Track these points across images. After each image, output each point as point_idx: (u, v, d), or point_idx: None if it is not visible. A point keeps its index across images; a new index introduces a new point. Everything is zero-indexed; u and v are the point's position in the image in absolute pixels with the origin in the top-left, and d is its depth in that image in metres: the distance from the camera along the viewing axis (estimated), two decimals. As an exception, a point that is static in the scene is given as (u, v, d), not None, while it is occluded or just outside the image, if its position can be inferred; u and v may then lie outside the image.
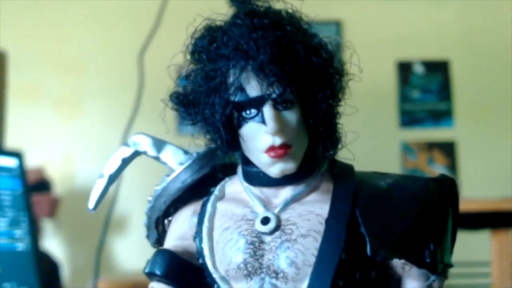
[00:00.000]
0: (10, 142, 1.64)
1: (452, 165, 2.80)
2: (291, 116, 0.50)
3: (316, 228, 0.50)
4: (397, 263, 0.51)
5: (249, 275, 0.50)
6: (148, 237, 0.64)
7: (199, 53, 0.52)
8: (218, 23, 0.52)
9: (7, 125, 1.52)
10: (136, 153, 0.63)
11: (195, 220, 0.57)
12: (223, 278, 0.52)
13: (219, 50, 0.50)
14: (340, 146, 0.54)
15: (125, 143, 0.63)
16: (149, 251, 0.63)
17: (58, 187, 2.59)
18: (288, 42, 0.49)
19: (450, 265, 0.52)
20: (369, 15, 2.91)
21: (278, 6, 0.54)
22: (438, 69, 2.90)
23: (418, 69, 2.90)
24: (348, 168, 0.55)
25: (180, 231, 0.58)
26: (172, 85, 0.57)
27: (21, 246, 1.06)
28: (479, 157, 2.80)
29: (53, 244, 2.60)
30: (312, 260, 0.49)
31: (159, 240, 0.62)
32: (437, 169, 2.79)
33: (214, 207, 0.56)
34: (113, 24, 2.85)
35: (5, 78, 1.52)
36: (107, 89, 2.80)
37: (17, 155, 1.12)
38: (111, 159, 0.63)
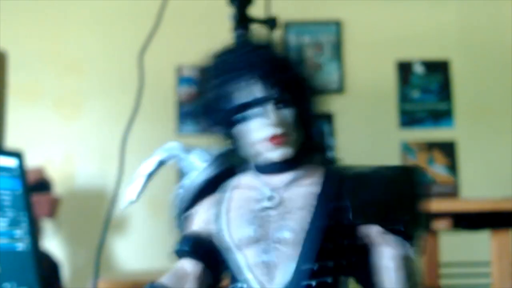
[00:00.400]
0: (10, 142, 1.64)
1: (452, 165, 2.81)
2: (288, 113, 0.65)
3: (310, 202, 0.63)
4: (377, 232, 0.63)
5: (257, 242, 0.63)
6: (178, 226, 0.74)
7: (214, 70, 0.67)
8: (228, 47, 0.68)
9: (7, 125, 1.52)
10: (171, 156, 0.75)
11: (215, 208, 0.69)
12: (237, 246, 0.65)
13: (232, 64, 0.65)
14: (327, 141, 0.67)
15: (161, 148, 0.76)
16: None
17: (58, 187, 2.59)
18: (282, 58, 0.66)
19: (418, 236, 0.63)
20: (369, 15, 2.91)
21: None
22: (438, 69, 2.90)
23: (418, 69, 2.91)
24: (336, 160, 0.70)
25: (204, 217, 0.70)
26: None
27: (21, 246, 1.06)
28: (479, 157, 2.80)
29: (53, 244, 2.60)
30: (307, 227, 0.62)
31: (184, 229, 0.73)
32: (437, 169, 2.79)
33: (231, 194, 0.69)
34: (113, 24, 2.85)
35: (5, 78, 1.52)
36: (107, 89, 2.80)
37: (17, 155, 1.12)
38: (147, 161, 0.75)
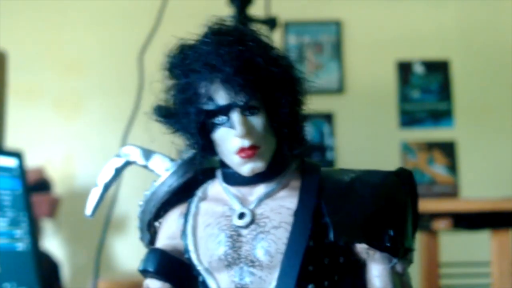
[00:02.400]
0: (10, 142, 1.64)
1: (452, 165, 2.80)
2: (257, 120, 0.57)
3: (286, 220, 0.56)
4: (362, 249, 0.56)
5: (229, 265, 0.57)
6: (141, 239, 0.69)
7: (174, 69, 0.59)
8: (189, 42, 0.59)
9: (7, 125, 1.52)
10: (127, 163, 0.69)
11: (182, 220, 0.63)
12: (206, 270, 0.58)
13: (190, 66, 0.56)
14: (304, 145, 0.60)
15: (116, 154, 0.69)
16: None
17: (58, 187, 2.59)
18: (250, 55, 0.55)
19: (411, 249, 0.57)
20: (369, 15, 2.91)
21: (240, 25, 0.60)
22: (438, 69, 2.90)
23: (418, 69, 2.90)
24: (315, 166, 0.61)
25: (169, 231, 0.64)
26: (160, 95, 0.61)
27: (21, 246, 1.06)
28: (479, 157, 2.80)
29: (53, 244, 2.60)
30: (283, 248, 0.55)
31: (151, 241, 0.68)
32: (437, 169, 2.79)
33: (197, 207, 0.62)
34: (113, 24, 2.85)
35: (5, 78, 1.52)
36: (107, 89, 2.80)
37: (17, 155, 1.12)
38: (104, 169, 0.69)
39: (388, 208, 0.57)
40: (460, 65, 2.88)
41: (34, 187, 2.28)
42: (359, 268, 0.58)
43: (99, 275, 1.30)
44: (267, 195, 0.59)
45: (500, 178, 2.67)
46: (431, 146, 2.82)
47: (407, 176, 0.60)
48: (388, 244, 0.55)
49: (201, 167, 0.63)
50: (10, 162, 1.10)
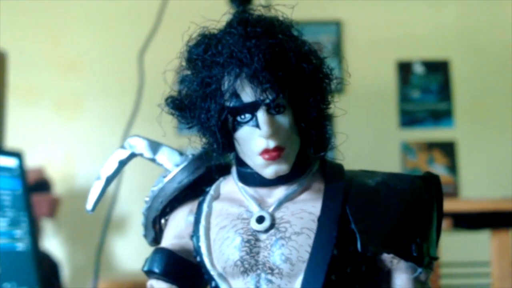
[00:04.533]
0: (10, 142, 1.64)
1: (452, 165, 2.80)
2: (283, 120, 0.53)
3: (309, 226, 0.53)
4: (386, 257, 0.54)
5: (245, 272, 0.53)
6: (145, 236, 0.66)
7: (195, 60, 0.54)
8: (212, 31, 0.54)
9: (7, 125, 1.52)
10: (133, 155, 0.64)
11: (191, 219, 0.59)
12: (220, 275, 0.55)
13: (214, 57, 0.52)
14: (330, 147, 0.57)
15: (121, 146, 0.65)
16: (149, 250, 0.64)
17: (58, 187, 2.59)
18: (280, 49, 0.51)
19: (436, 258, 0.55)
20: (369, 15, 2.91)
21: (270, 13, 0.56)
22: (438, 69, 2.90)
23: (418, 69, 2.90)
24: (338, 168, 0.58)
25: (177, 230, 0.60)
26: (171, 86, 0.59)
27: (21, 246, 1.06)
28: (479, 157, 2.80)
29: (53, 244, 2.60)
30: (306, 256, 0.51)
31: (156, 239, 0.64)
32: (437, 169, 2.79)
33: (210, 207, 0.58)
34: (113, 24, 2.85)
35: (5, 78, 1.52)
36: (107, 89, 2.80)
37: (17, 155, 1.12)
38: (108, 161, 0.64)
39: (415, 215, 0.54)
40: (460, 65, 2.88)
41: (34, 187, 2.27)
42: (381, 276, 0.56)
43: (99, 275, 1.30)
44: (288, 198, 0.55)
45: (500, 178, 2.67)
46: (431, 146, 2.82)
47: (435, 181, 0.57)
48: (415, 254, 0.52)
49: (215, 163, 0.59)
50: (10, 162, 1.10)
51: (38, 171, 2.42)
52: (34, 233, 1.09)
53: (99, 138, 2.73)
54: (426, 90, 2.89)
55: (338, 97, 0.57)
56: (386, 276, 0.55)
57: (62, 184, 2.65)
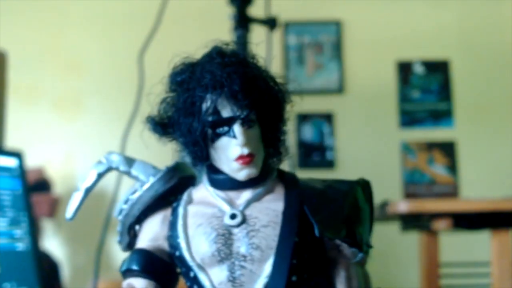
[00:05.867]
0: (10, 142, 1.64)
1: (452, 165, 2.81)
2: (253, 132, 0.65)
3: (274, 220, 0.64)
4: (334, 245, 0.66)
5: (221, 261, 0.63)
6: (120, 242, 0.74)
7: (181, 83, 0.66)
8: (193, 60, 0.67)
9: (7, 125, 1.52)
10: (110, 168, 0.73)
11: (166, 223, 0.68)
12: (199, 266, 0.64)
13: (198, 81, 0.64)
14: (286, 157, 0.69)
15: (98, 161, 0.73)
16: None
17: (58, 187, 2.59)
18: (252, 76, 0.64)
19: (371, 246, 0.67)
20: (369, 15, 2.91)
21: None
22: (438, 69, 2.90)
23: (418, 69, 2.91)
24: (293, 176, 0.70)
25: (151, 233, 0.69)
26: (153, 106, 0.68)
27: (21, 246, 1.06)
28: (479, 157, 2.80)
29: (53, 244, 2.60)
30: (273, 244, 0.62)
31: (129, 244, 0.73)
32: (437, 169, 2.79)
33: (185, 209, 0.68)
34: (113, 24, 2.85)
35: (5, 78, 1.52)
36: (107, 89, 2.80)
37: (17, 155, 1.12)
38: (86, 174, 0.72)
39: (355, 211, 0.66)
40: (460, 65, 2.89)
41: (34, 187, 2.28)
42: (328, 262, 0.66)
43: (99, 275, 1.30)
44: (255, 198, 0.66)
45: (500, 178, 2.67)
46: (431, 146, 2.82)
47: (367, 185, 0.70)
48: (358, 241, 0.64)
49: (184, 175, 0.70)
50: (10, 162, 1.10)
51: (38, 171, 2.42)
52: (34, 233, 1.09)
53: (99, 138, 2.73)
54: (426, 90, 2.89)
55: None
56: (333, 262, 0.66)
57: (62, 184, 2.66)
